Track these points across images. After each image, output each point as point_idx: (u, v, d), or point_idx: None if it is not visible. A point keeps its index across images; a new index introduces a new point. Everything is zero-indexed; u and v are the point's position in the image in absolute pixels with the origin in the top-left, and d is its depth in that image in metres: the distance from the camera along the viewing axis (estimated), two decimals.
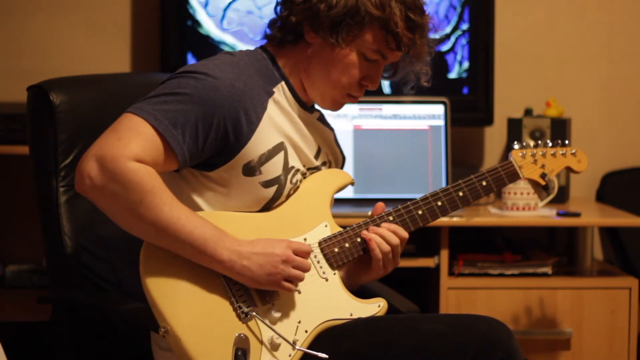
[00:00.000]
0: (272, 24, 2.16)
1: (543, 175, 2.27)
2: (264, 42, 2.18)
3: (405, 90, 2.22)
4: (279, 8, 2.14)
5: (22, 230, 3.57)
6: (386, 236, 2.12)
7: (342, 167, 2.33)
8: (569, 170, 2.31)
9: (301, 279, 2.01)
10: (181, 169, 2.03)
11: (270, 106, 2.08)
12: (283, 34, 2.13)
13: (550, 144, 2.30)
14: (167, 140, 1.96)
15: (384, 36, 2.08)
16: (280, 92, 2.12)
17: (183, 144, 1.97)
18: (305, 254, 2.03)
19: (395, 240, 2.12)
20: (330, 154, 2.27)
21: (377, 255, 2.12)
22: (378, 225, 2.14)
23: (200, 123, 1.99)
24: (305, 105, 2.16)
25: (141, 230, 1.96)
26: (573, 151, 2.30)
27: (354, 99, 2.16)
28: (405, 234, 2.14)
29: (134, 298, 2.11)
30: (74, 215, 2.26)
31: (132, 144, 1.93)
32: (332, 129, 2.29)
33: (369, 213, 2.19)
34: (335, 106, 2.18)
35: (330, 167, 2.26)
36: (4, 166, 3.55)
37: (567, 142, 2.33)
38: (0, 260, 3.58)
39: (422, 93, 3.32)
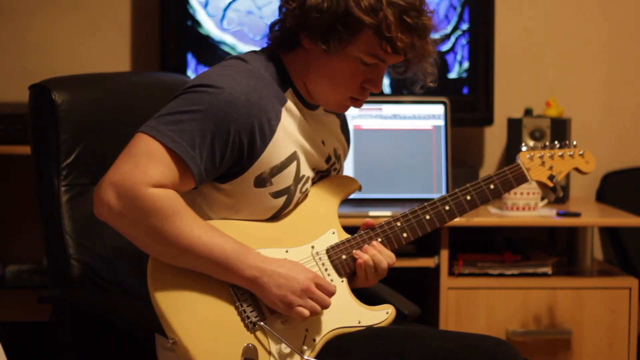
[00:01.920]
0: (272, 26, 2.12)
1: (551, 177, 2.24)
2: (269, 42, 2.13)
3: (415, 89, 2.17)
4: (278, 11, 2.10)
5: (22, 230, 3.57)
6: (376, 261, 2.09)
7: (346, 155, 2.30)
8: (577, 171, 2.28)
9: (315, 312, 1.98)
10: (197, 187, 2.01)
11: (284, 115, 2.05)
12: (282, 39, 2.10)
13: (558, 146, 2.27)
14: (185, 162, 1.93)
15: (378, 41, 2.01)
16: (291, 97, 2.08)
17: (201, 164, 1.95)
18: (328, 292, 1.99)
19: (384, 265, 2.09)
20: (339, 147, 2.24)
21: (360, 275, 2.09)
22: (383, 231, 2.12)
23: (217, 141, 1.96)
24: (310, 105, 2.13)
25: (162, 252, 1.95)
26: (581, 152, 2.27)
27: (359, 102, 2.11)
28: (394, 259, 2.12)
29: (134, 298, 2.11)
30: (75, 214, 2.26)
31: (151, 170, 1.91)
32: (339, 116, 2.25)
33: (365, 220, 2.16)
34: (340, 109, 2.13)
35: (340, 162, 2.24)
36: (5, 166, 3.55)
37: (575, 143, 2.30)
38: (0, 260, 3.58)
39: (422, 93, 3.34)
